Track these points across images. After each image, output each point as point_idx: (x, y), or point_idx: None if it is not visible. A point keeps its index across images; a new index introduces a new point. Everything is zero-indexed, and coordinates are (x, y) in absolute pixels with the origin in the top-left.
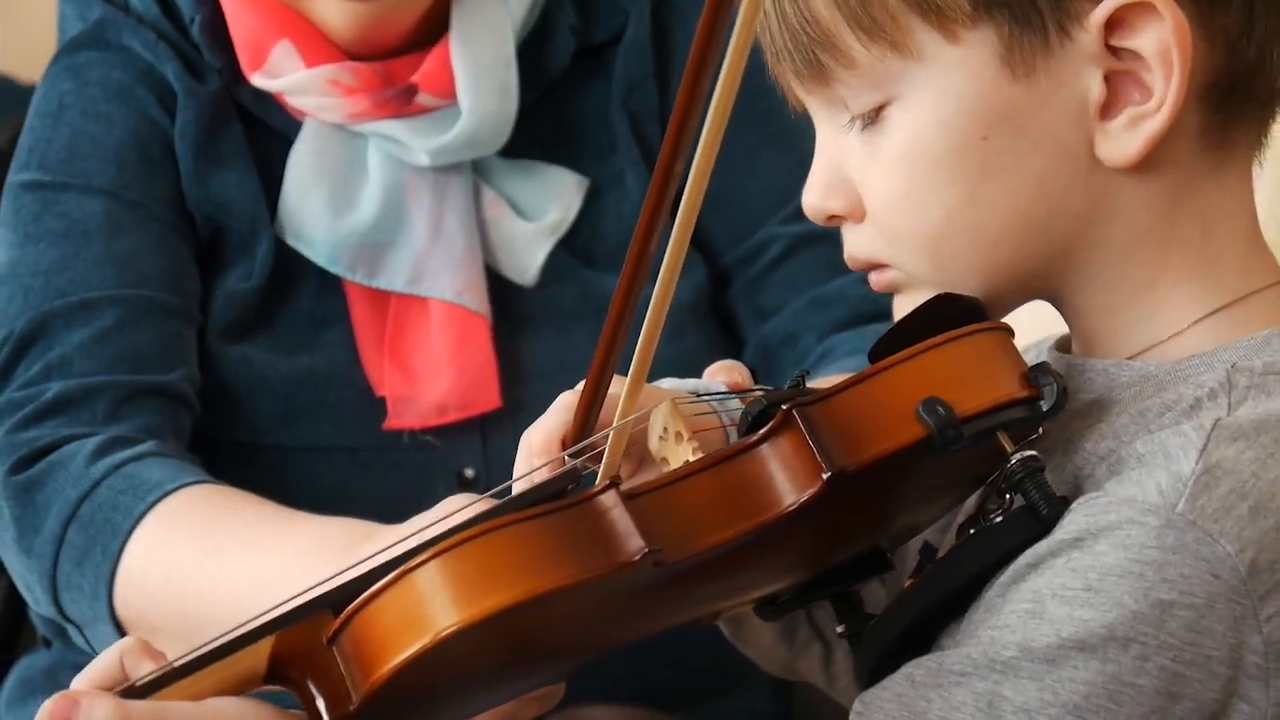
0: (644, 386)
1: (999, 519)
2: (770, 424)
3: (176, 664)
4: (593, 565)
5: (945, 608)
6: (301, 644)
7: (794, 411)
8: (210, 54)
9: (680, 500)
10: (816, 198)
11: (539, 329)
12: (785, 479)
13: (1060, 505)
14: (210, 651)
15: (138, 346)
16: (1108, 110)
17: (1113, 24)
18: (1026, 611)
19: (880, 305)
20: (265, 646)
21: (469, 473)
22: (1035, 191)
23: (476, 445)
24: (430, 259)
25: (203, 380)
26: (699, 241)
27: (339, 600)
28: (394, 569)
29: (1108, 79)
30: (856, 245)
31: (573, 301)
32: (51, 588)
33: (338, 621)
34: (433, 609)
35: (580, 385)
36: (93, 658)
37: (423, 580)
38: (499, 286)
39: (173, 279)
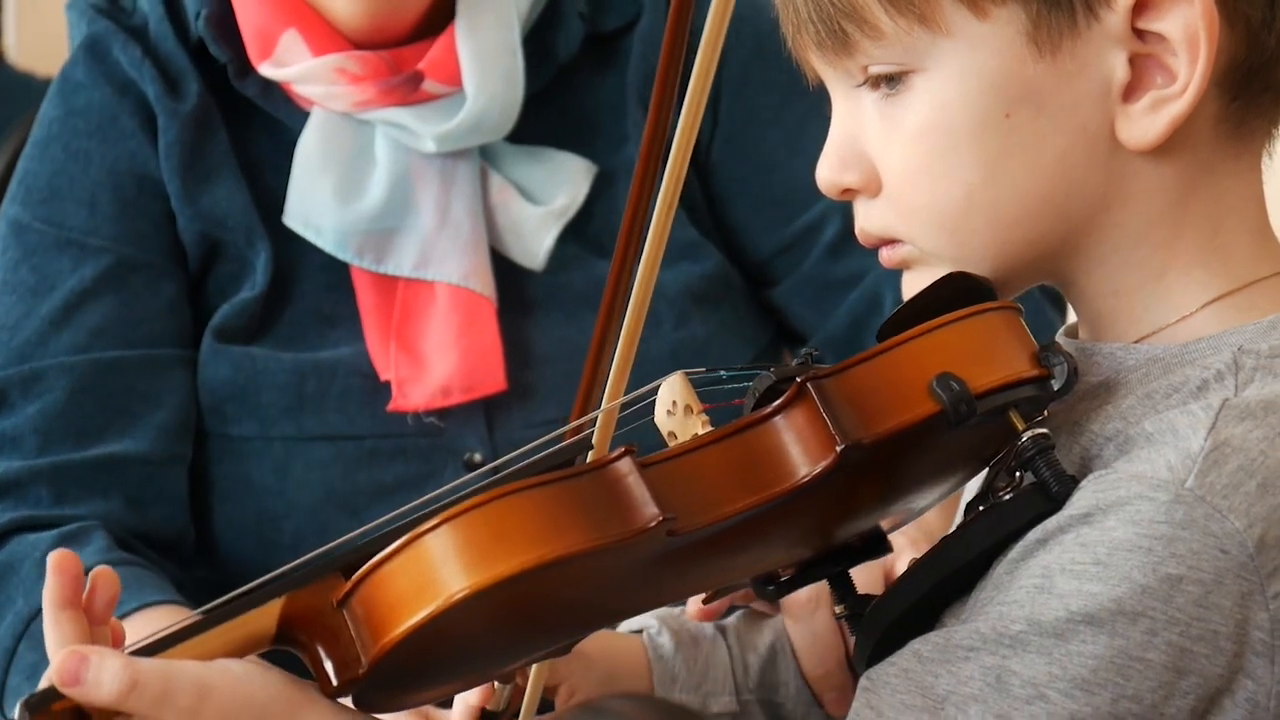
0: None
1: (1008, 496)
2: (785, 396)
3: (186, 623)
4: (606, 532)
5: (951, 586)
6: (311, 606)
7: (808, 384)
8: (216, 47)
9: (694, 470)
10: (831, 171)
11: (547, 313)
12: (799, 451)
13: (1070, 483)
14: (220, 611)
15: (87, 417)
16: (1130, 93)
17: (1140, 6)
18: (1035, 586)
19: None
20: (275, 608)
21: (475, 457)
22: (1054, 171)
23: (482, 429)
24: (437, 243)
25: (207, 378)
26: (725, 224)
27: (350, 563)
28: (407, 533)
29: (1132, 61)
30: (870, 219)
31: (581, 285)
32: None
33: (348, 584)
34: (444, 573)
35: None
36: None
37: (435, 544)
38: (508, 271)
39: (133, 327)
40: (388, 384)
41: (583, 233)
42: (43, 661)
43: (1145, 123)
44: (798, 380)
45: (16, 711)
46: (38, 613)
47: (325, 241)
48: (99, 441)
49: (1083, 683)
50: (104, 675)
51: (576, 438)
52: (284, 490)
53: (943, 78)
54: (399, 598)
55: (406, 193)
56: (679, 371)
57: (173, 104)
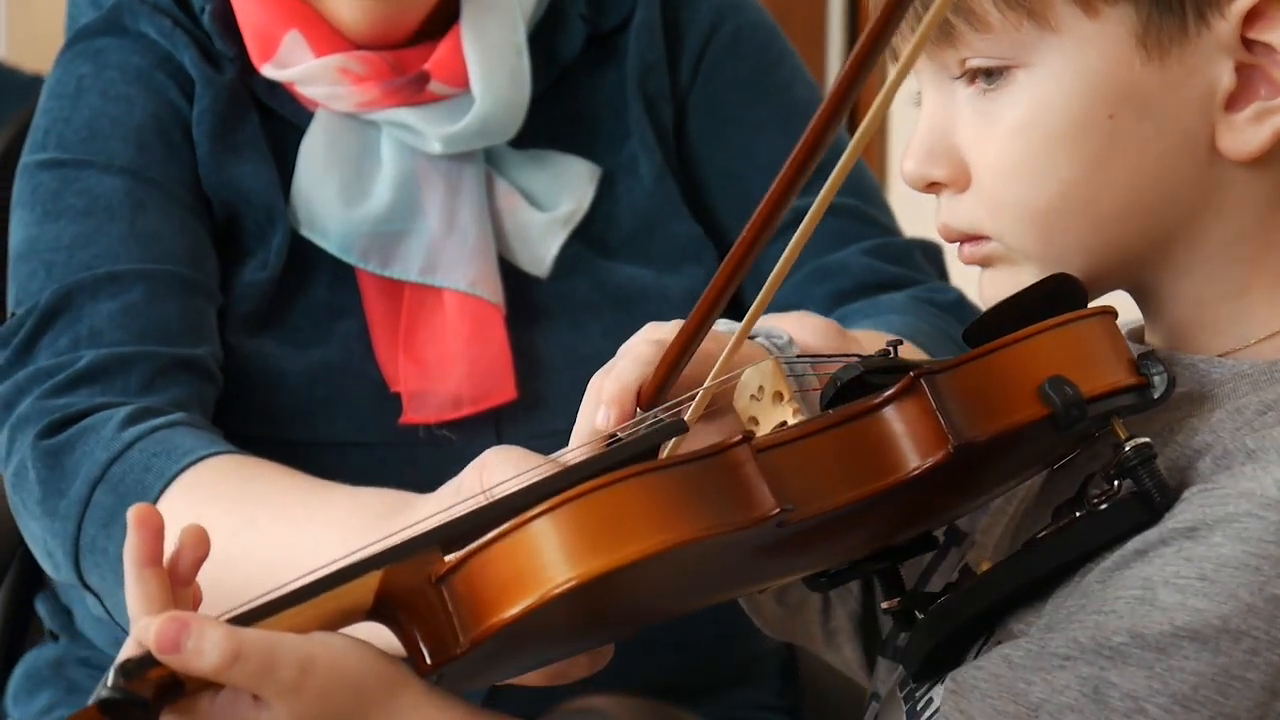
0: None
1: (1104, 505)
2: (895, 388)
3: (285, 591)
4: (724, 520)
5: (1023, 592)
6: (409, 581)
7: (921, 379)
8: (222, 43)
9: (804, 459)
10: (918, 164)
11: (554, 320)
12: (909, 445)
13: (1173, 495)
14: (319, 581)
15: (166, 320)
16: (1234, 102)
17: (1252, 16)
18: (1136, 598)
19: (883, 276)
20: (374, 580)
21: None
22: (1152, 175)
23: (491, 438)
24: (444, 249)
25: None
26: (711, 221)
27: (450, 538)
28: (504, 511)
29: (1238, 70)
30: (956, 215)
31: (587, 292)
32: (74, 551)
33: (452, 561)
34: (560, 558)
35: (648, 333)
36: (99, 647)
37: (548, 528)
38: (513, 278)
39: (194, 257)
40: (398, 394)
41: (586, 234)
42: (119, 506)
43: (1247, 133)
44: (910, 374)
45: (110, 676)
46: (115, 457)
47: (330, 243)
48: (181, 344)
49: (1183, 699)
50: (205, 644)
51: (655, 423)
52: None
53: (1047, 74)
54: (509, 580)
55: (412, 195)
56: (772, 358)
57: (210, 72)
